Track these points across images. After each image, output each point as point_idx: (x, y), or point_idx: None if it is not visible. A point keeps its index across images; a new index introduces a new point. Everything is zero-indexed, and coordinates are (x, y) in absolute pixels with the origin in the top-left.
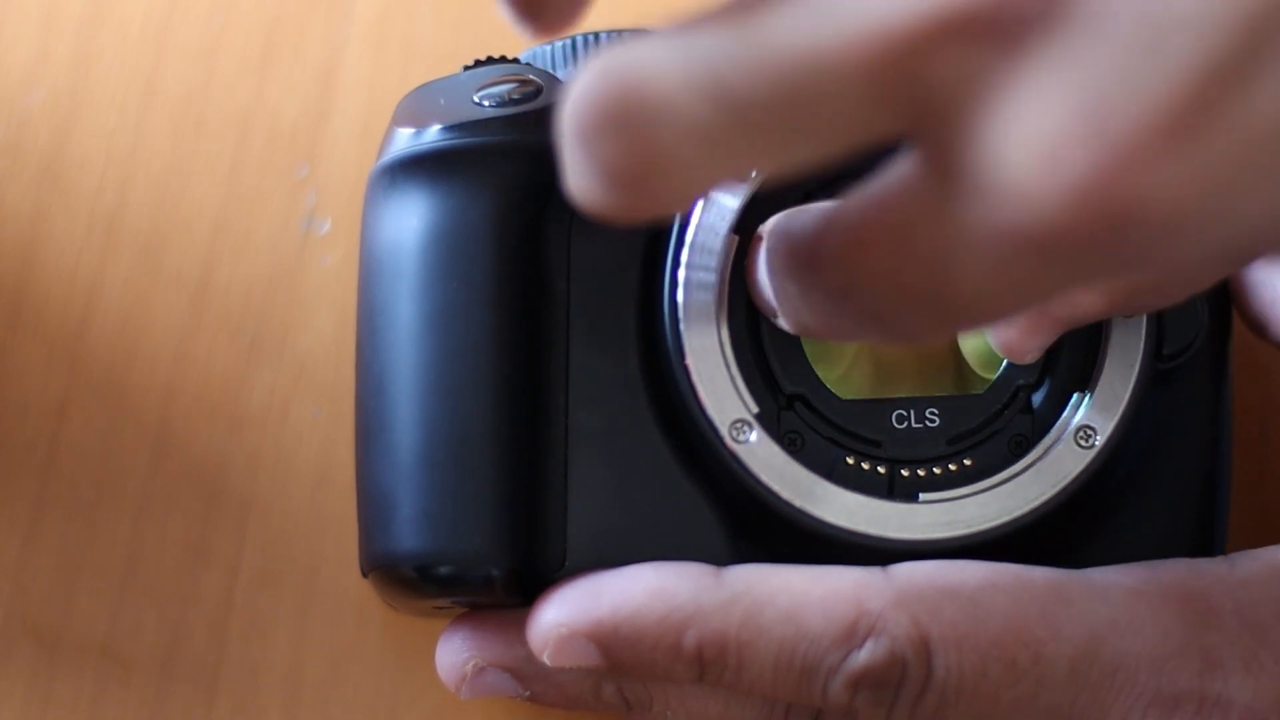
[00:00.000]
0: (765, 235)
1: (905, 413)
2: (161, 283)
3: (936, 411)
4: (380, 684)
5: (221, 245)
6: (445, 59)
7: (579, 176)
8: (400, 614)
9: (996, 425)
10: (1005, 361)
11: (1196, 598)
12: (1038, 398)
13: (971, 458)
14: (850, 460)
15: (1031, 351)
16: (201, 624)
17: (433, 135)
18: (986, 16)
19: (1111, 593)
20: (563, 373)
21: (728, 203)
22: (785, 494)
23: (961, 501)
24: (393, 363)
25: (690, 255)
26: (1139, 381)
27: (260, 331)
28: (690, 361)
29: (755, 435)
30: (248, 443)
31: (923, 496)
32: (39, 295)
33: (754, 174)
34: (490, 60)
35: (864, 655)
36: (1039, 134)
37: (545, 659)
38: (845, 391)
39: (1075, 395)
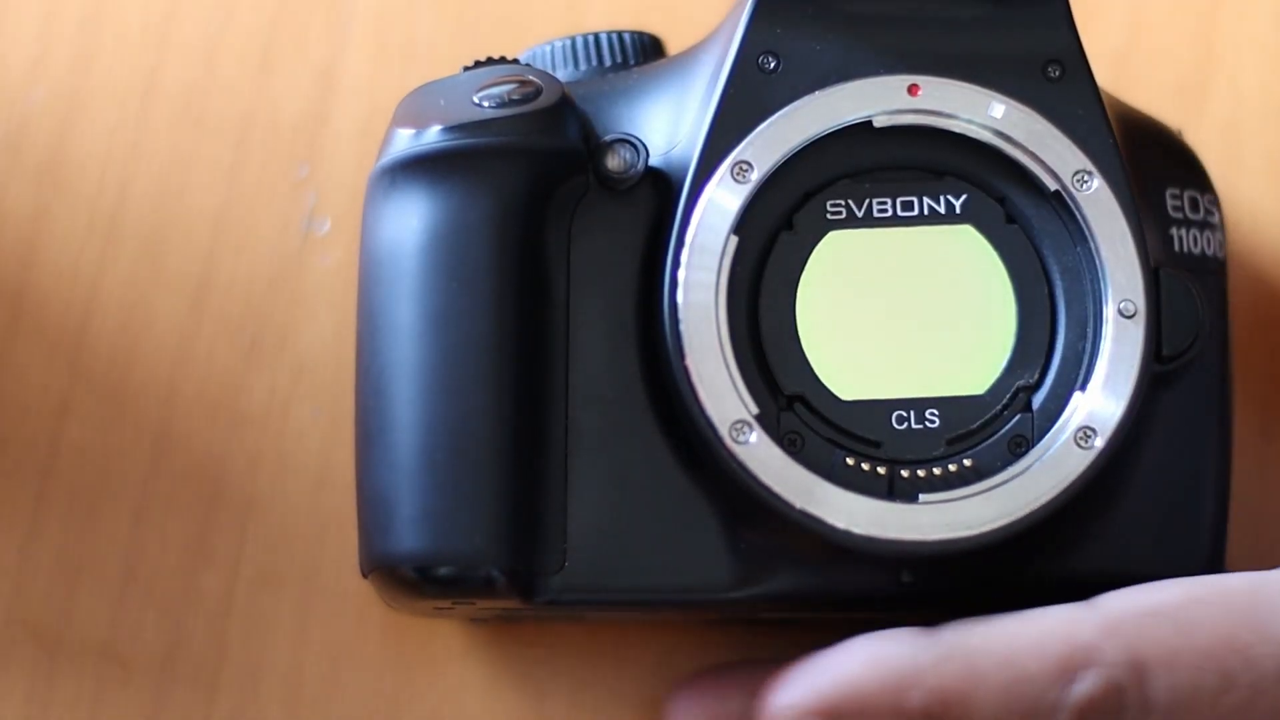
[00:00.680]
0: None
1: (905, 413)
2: (161, 283)
3: (936, 412)
4: (380, 684)
5: (221, 245)
6: (445, 59)
7: None
8: (400, 614)
9: (996, 426)
10: (1005, 362)
11: None
12: (1038, 398)
13: (971, 458)
14: (850, 461)
15: None
16: (201, 624)
17: (433, 136)
18: None
19: None
20: (562, 373)
21: (727, 203)
22: (785, 495)
23: (962, 502)
24: (393, 363)
25: (690, 255)
26: (1139, 383)
27: (260, 331)
28: (690, 362)
29: (755, 436)
30: (248, 443)
31: (923, 498)
32: (39, 295)
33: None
34: (490, 61)
35: (1083, 687)
36: None
37: None
38: (845, 392)
39: (1075, 396)
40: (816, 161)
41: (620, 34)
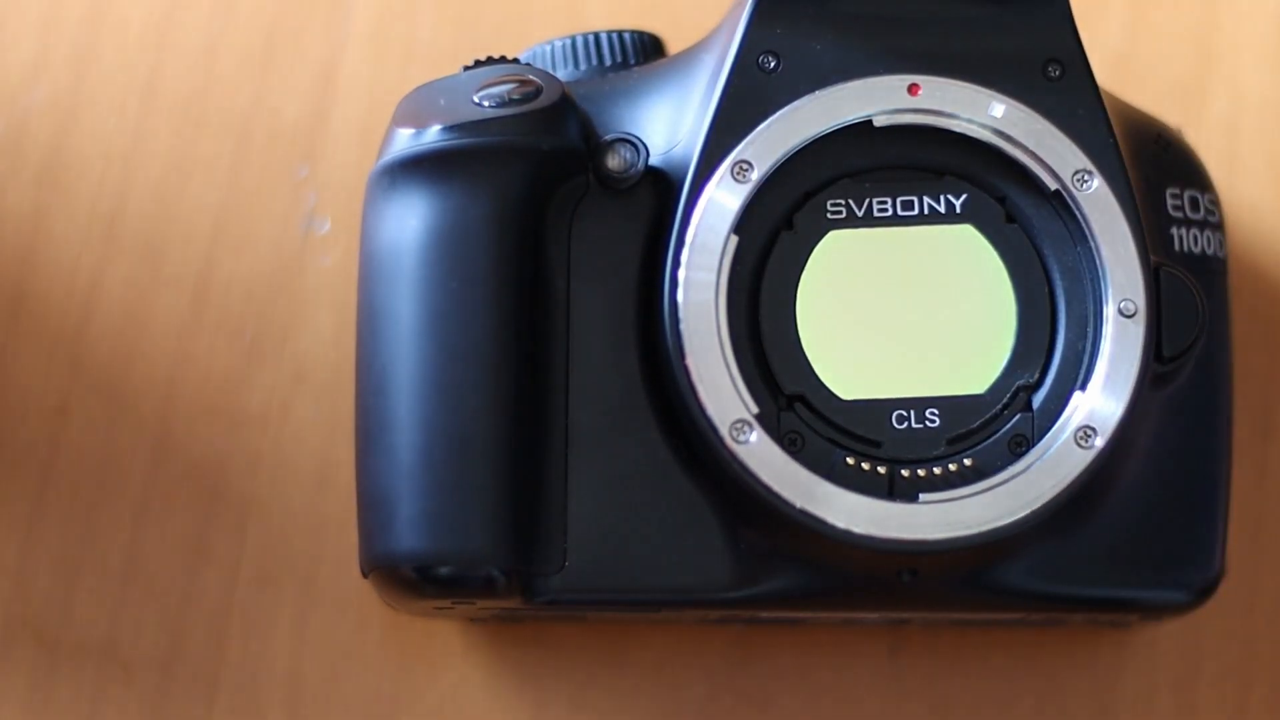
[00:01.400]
0: None
1: (905, 413)
2: (161, 283)
3: (937, 412)
4: (380, 684)
5: (221, 245)
6: (445, 59)
7: None
8: (400, 614)
9: (996, 425)
10: (1005, 361)
11: None
12: (1038, 398)
13: (972, 458)
14: (850, 460)
15: None
16: (201, 624)
17: (433, 136)
18: None
19: None
20: (562, 373)
21: (727, 203)
22: (786, 494)
23: (962, 502)
24: (393, 363)
25: (690, 255)
26: (1139, 382)
27: (260, 331)
28: (690, 361)
29: (755, 436)
30: (248, 443)
31: (923, 497)
32: (39, 295)
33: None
34: (490, 60)
35: None
36: None
37: None
38: (845, 391)
39: (1075, 395)
40: (817, 161)
41: (621, 34)
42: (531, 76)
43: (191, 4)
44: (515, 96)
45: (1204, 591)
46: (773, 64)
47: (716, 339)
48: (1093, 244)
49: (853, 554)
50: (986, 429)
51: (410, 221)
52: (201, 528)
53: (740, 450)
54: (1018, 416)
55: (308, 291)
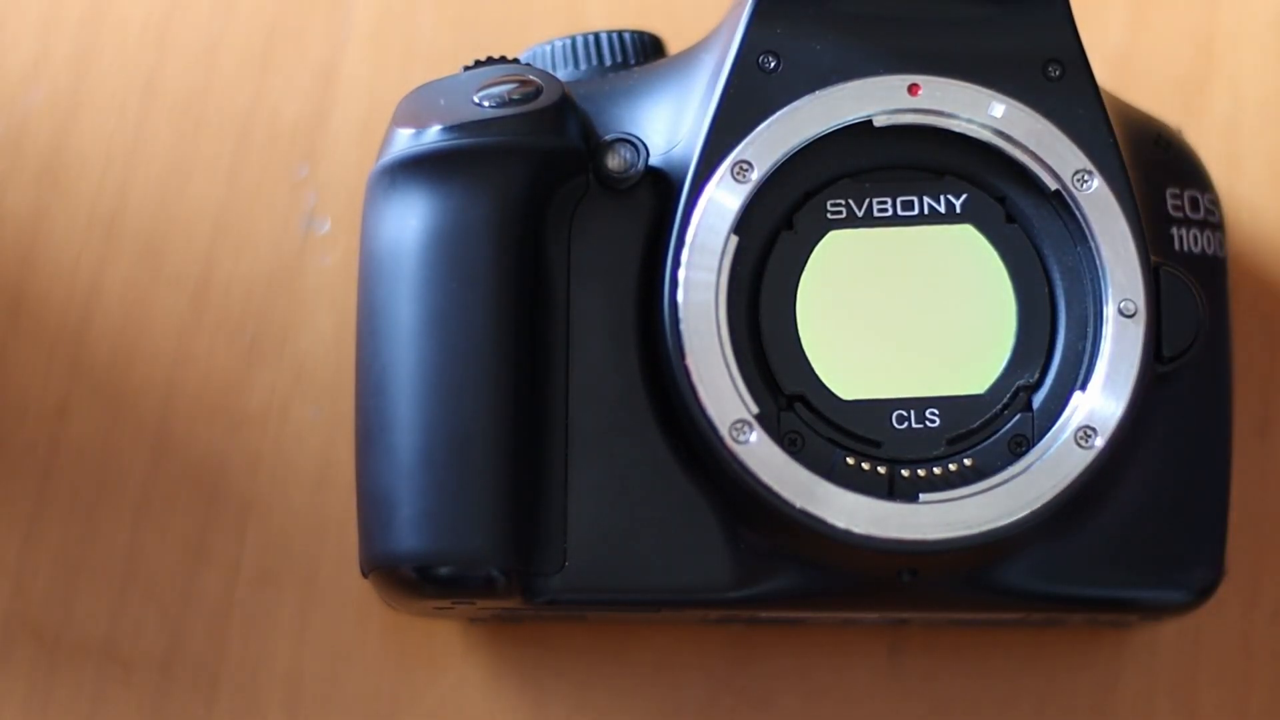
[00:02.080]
0: None
1: (905, 413)
2: (161, 283)
3: (937, 412)
4: (380, 684)
5: (221, 245)
6: (445, 59)
7: None
8: (400, 614)
9: (997, 425)
10: (1006, 361)
11: None
12: (1038, 398)
13: (972, 458)
14: (850, 460)
15: None
16: (201, 624)
17: (433, 136)
18: None
19: None
20: (562, 373)
21: (728, 203)
22: (785, 494)
23: (962, 502)
24: (393, 363)
25: (690, 255)
26: (1139, 382)
27: (260, 331)
28: (690, 361)
29: (755, 436)
30: (248, 443)
31: (924, 497)
32: (39, 295)
33: (754, 173)
34: (490, 60)
35: None
36: None
37: None
38: (846, 391)
39: (1075, 395)
40: (817, 161)
41: (621, 34)
42: (532, 76)
43: (191, 4)
44: (515, 96)
45: (1204, 591)
46: (773, 64)
47: (716, 339)
48: (1093, 244)
49: (853, 554)
50: (986, 429)
51: (410, 222)
52: (201, 528)
53: (740, 450)
54: (1018, 416)
55: (308, 291)
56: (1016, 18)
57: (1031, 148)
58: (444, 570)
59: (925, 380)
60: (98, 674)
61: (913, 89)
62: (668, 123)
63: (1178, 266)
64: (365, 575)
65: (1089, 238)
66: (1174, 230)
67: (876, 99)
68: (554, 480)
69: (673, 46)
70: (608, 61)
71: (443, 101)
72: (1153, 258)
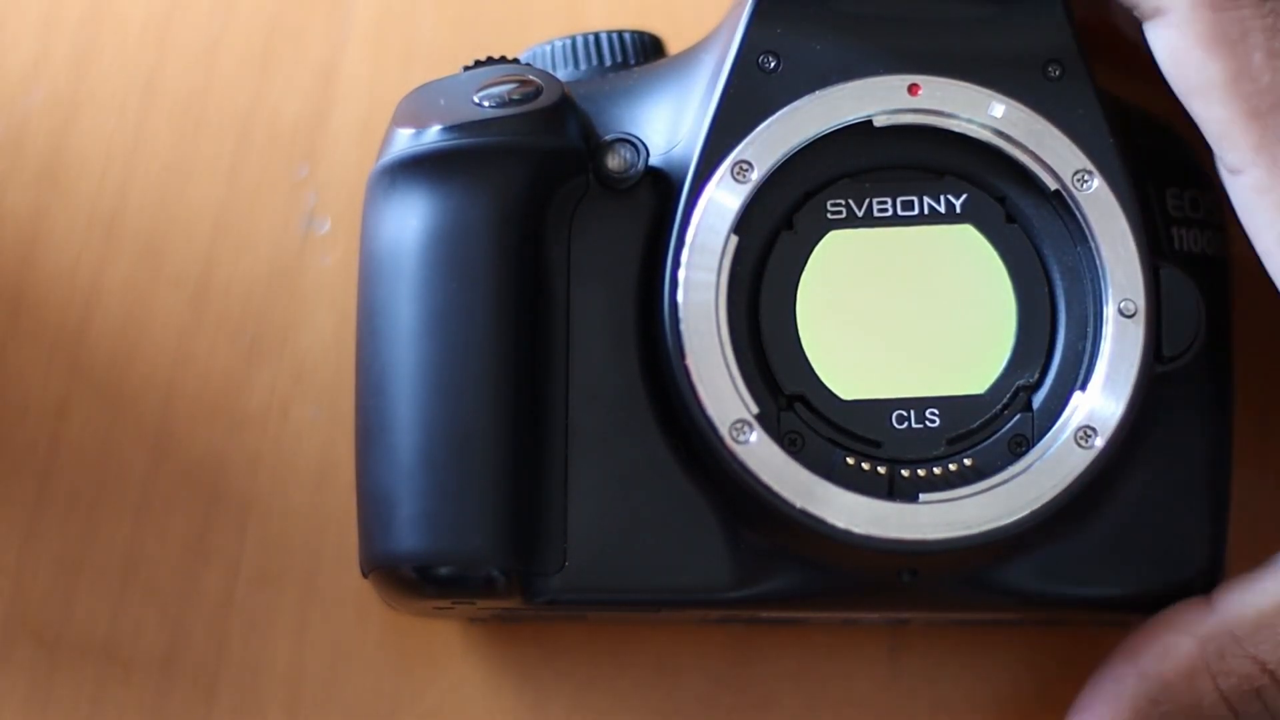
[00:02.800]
0: None
1: (905, 413)
2: (161, 283)
3: (937, 411)
4: (380, 684)
5: (221, 245)
6: (445, 59)
7: None
8: (400, 614)
9: (997, 425)
10: (1006, 361)
11: None
12: (1038, 398)
13: (972, 458)
14: (850, 460)
15: None
16: (201, 624)
17: (433, 136)
18: None
19: None
20: (562, 373)
21: (728, 202)
22: (785, 494)
23: (962, 502)
24: (393, 363)
25: (690, 255)
26: (1139, 382)
27: (260, 331)
28: (690, 361)
29: (755, 436)
30: (248, 443)
31: (924, 497)
32: (39, 295)
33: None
34: (490, 60)
35: None
36: None
37: None
38: (846, 391)
39: (1075, 395)
40: (816, 161)
41: (621, 33)
42: (532, 76)
43: (191, 4)
44: (515, 96)
45: (1205, 591)
46: (773, 64)
47: (716, 339)
48: (1093, 244)
49: (853, 554)
50: (986, 429)
51: (410, 221)
52: (201, 528)
53: (740, 450)
54: (1018, 416)
55: (308, 291)
56: (1016, 18)
57: (1031, 148)
58: (444, 570)
59: (925, 380)
60: (98, 674)
61: (913, 89)
62: (668, 123)
63: (1179, 266)
64: (365, 575)
65: (1089, 237)
66: (1175, 230)
67: (876, 99)
68: (554, 480)
69: (673, 46)
70: (608, 62)
71: (443, 101)
72: (1154, 257)
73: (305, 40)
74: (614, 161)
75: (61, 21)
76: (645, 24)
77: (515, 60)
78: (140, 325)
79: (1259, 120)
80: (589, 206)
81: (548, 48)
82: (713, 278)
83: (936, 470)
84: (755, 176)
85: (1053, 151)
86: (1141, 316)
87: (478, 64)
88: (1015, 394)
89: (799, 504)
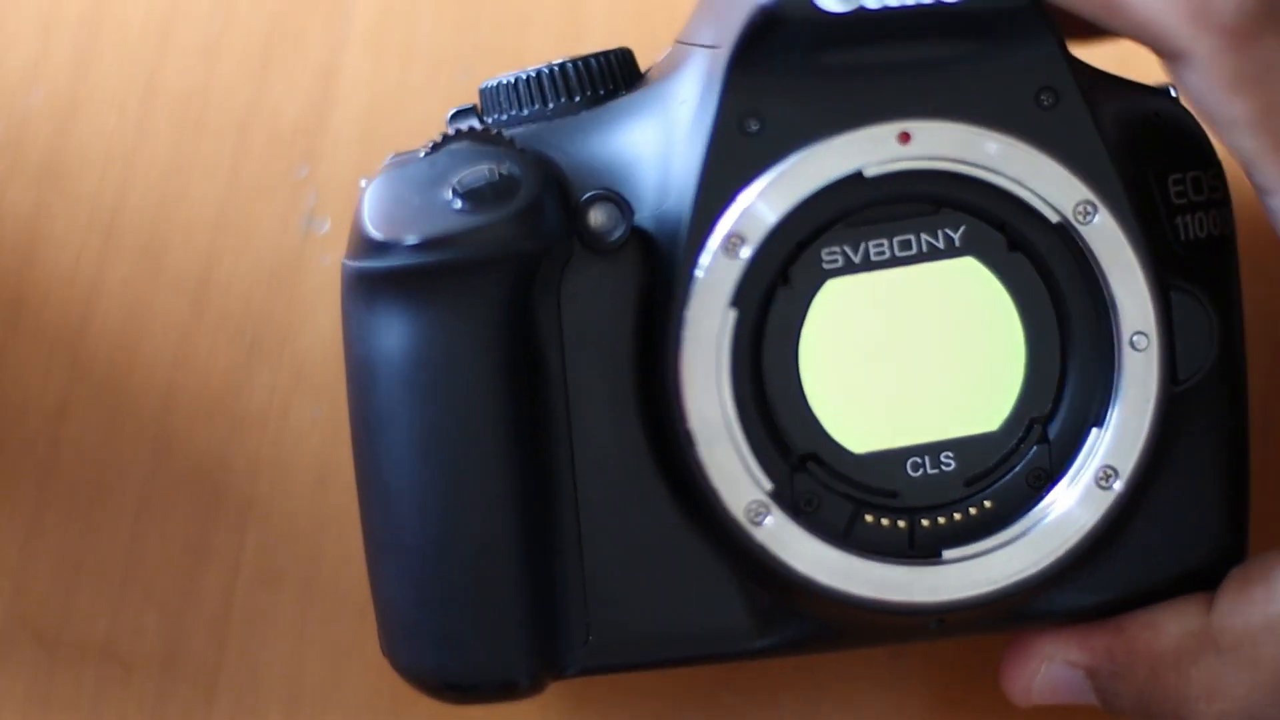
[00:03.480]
0: None
1: (920, 459)
2: (161, 283)
3: (952, 454)
4: (380, 684)
5: (221, 245)
6: (445, 59)
7: None
8: None
9: (1013, 461)
10: (1017, 394)
11: None
12: (1054, 428)
13: (991, 498)
14: (869, 517)
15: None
16: (201, 624)
17: (407, 250)
18: None
19: None
20: (566, 444)
21: (722, 280)
22: (807, 572)
23: (985, 557)
24: (394, 482)
25: (689, 344)
26: (1156, 415)
27: (260, 331)
28: (700, 451)
29: (772, 516)
30: (248, 443)
31: (947, 553)
32: (39, 295)
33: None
34: (458, 134)
35: None
36: None
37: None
38: (857, 444)
39: (1093, 433)
40: (809, 213)
41: (588, 60)
42: (507, 165)
43: (191, 4)
44: (490, 193)
45: (1239, 545)
46: (756, 126)
47: (723, 421)
48: (1100, 277)
49: (881, 620)
50: (1003, 466)
51: (393, 340)
52: (201, 528)
53: (759, 534)
54: (1034, 449)
55: (308, 291)
56: (1004, 49)
57: (1030, 184)
58: (468, 683)
59: (937, 423)
60: (98, 674)
61: (903, 137)
62: (652, 179)
63: (1186, 258)
64: (385, 655)
65: (1096, 271)
66: (1179, 219)
67: (866, 150)
68: (569, 559)
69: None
70: (576, 96)
71: (416, 201)
72: (1163, 283)
73: (305, 40)
74: (596, 220)
75: (61, 21)
76: (645, 23)
77: (484, 129)
78: (140, 325)
79: None
80: (576, 270)
81: (508, 81)
82: (714, 356)
83: (957, 516)
84: (748, 249)
85: (1053, 184)
86: (1154, 348)
87: (446, 139)
88: (1030, 427)
89: (822, 580)
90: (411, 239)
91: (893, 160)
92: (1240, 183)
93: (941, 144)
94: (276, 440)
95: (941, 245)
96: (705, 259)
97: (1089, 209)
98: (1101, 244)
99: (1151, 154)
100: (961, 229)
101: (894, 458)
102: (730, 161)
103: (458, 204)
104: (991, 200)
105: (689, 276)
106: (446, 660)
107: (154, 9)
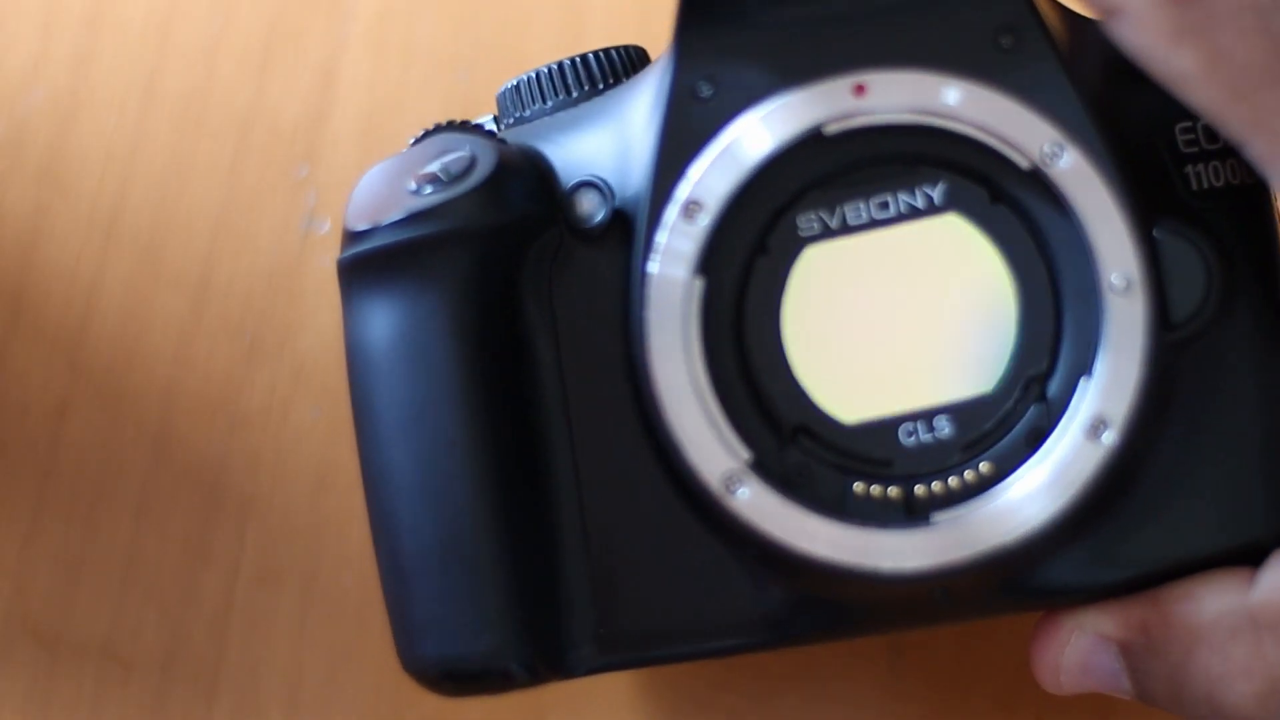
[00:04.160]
0: None
1: (914, 426)
2: (161, 283)
3: (947, 419)
4: (380, 684)
5: (221, 245)
6: (445, 59)
7: None
8: None
9: (1011, 422)
10: (1012, 352)
11: None
12: (1052, 386)
13: (989, 460)
14: (860, 488)
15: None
16: (201, 624)
17: (373, 235)
18: None
19: None
20: (565, 437)
21: (683, 247)
22: (790, 541)
23: (977, 518)
24: (379, 467)
25: (654, 312)
26: (1148, 362)
27: (260, 331)
28: (670, 419)
29: (749, 485)
30: (248, 443)
31: (940, 516)
32: (39, 295)
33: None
34: (438, 127)
35: None
36: None
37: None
38: (848, 414)
39: (1081, 383)
40: (777, 178)
41: (584, 57)
42: (467, 147)
43: (191, 4)
44: (447, 176)
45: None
46: (708, 91)
47: (693, 390)
48: (1077, 220)
49: (876, 588)
50: (1002, 427)
51: (367, 325)
52: (201, 528)
53: (734, 502)
54: (1032, 409)
55: (308, 291)
56: None
57: (996, 129)
58: (462, 671)
59: (930, 388)
60: (98, 674)
61: (858, 89)
62: (625, 159)
63: (1198, 209)
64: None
65: (1072, 213)
66: (1189, 169)
67: (821, 106)
68: (572, 551)
69: None
70: (574, 93)
71: (383, 192)
72: (1158, 215)
73: (305, 40)
74: (580, 208)
75: (61, 21)
76: (646, 23)
77: (463, 122)
78: (140, 325)
79: (1245, 101)
80: (565, 259)
81: (513, 85)
82: (679, 327)
83: (953, 481)
84: (708, 214)
85: (1018, 128)
86: (1138, 289)
87: (425, 134)
88: (1027, 385)
89: (806, 549)
90: (374, 223)
91: (850, 115)
92: None
93: (898, 94)
94: (276, 440)
95: (921, 204)
96: (664, 228)
97: (1058, 150)
98: (1074, 185)
99: (1151, 107)
100: (941, 185)
101: (886, 426)
102: (684, 129)
103: (414, 188)
104: (965, 152)
105: (649, 245)
106: (436, 650)
107: (154, 9)
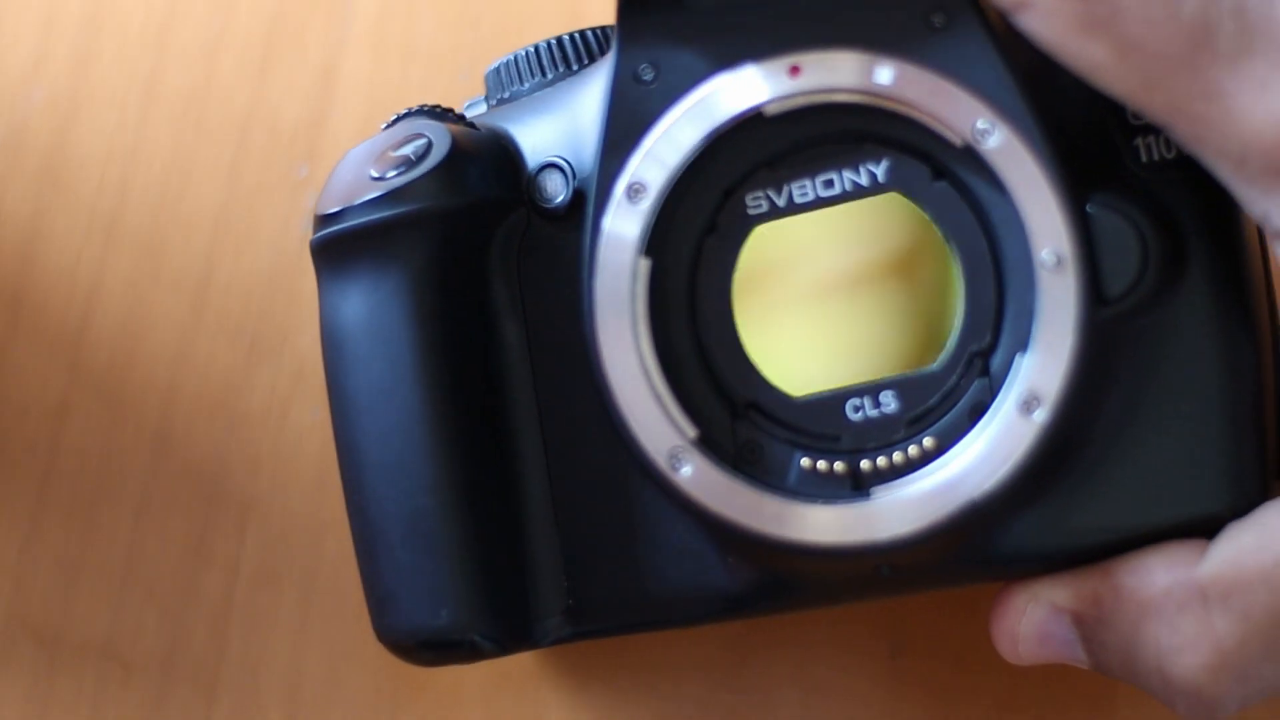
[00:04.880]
0: None
1: (860, 401)
2: (161, 283)
3: (892, 394)
4: (380, 684)
5: (221, 245)
6: (445, 59)
7: None
8: None
9: (955, 397)
10: (957, 329)
11: None
12: (995, 361)
13: (933, 435)
14: (807, 462)
15: None
16: (201, 624)
17: (334, 221)
18: None
19: None
20: (533, 416)
21: (627, 229)
22: (733, 516)
23: (915, 493)
24: (346, 444)
25: (601, 293)
26: (1081, 337)
27: (260, 331)
28: (617, 397)
29: (693, 462)
30: (248, 443)
31: (880, 491)
32: (39, 295)
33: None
34: (409, 112)
35: None
36: None
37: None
38: (797, 389)
39: (1017, 359)
40: (724, 158)
41: (560, 39)
42: (420, 133)
43: (191, 4)
44: (402, 161)
45: (1248, 495)
46: (650, 75)
47: (640, 368)
48: (1010, 196)
49: (822, 563)
50: (946, 402)
51: (332, 308)
52: (201, 528)
53: (679, 479)
54: (975, 384)
55: (308, 291)
56: None
57: (927, 107)
58: (424, 643)
59: (876, 363)
60: (98, 674)
61: (793, 70)
62: (584, 141)
63: (1149, 181)
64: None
65: (1005, 190)
66: (1138, 141)
67: (758, 87)
68: (543, 529)
69: None
70: (549, 74)
71: (347, 178)
72: (1097, 190)
73: (305, 40)
74: (544, 190)
75: (61, 21)
76: None
77: (433, 106)
78: (140, 325)
79: (1160, 88)
80: (532, 240)
81: (494, 67)
82: (627, 307)
83: (897, 456)
84: (651, 195)
85: (949, 106)
86: (1070, 265)
87: (397, 118)
88: (970, 361)
89: (752, 525)
90: (334, 209)
91: (788, 96)
92: None
93: (832, 73)
94: (276, 440)
95: (865, 182)
96: (609, 209)
97: (989, 128)
98: (1005, 162)
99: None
100: (884, 163)
101: (833, 401)
102: (627, 112)
103: (377, 173)
104: (905, 131)
105: (596, 227)
106: (398, 621)
107: (154, 9)
